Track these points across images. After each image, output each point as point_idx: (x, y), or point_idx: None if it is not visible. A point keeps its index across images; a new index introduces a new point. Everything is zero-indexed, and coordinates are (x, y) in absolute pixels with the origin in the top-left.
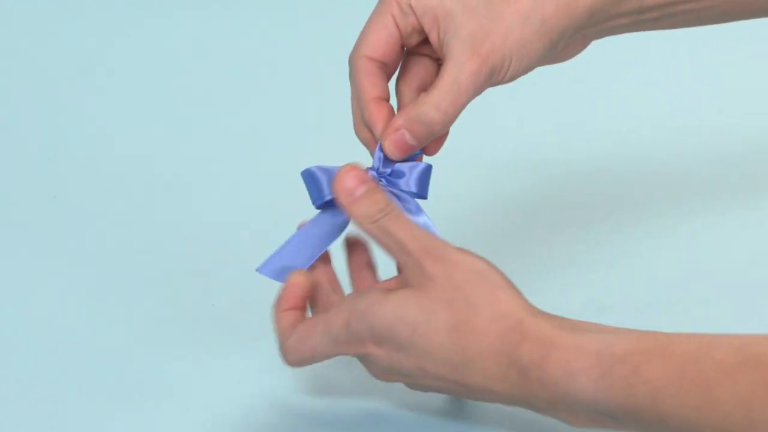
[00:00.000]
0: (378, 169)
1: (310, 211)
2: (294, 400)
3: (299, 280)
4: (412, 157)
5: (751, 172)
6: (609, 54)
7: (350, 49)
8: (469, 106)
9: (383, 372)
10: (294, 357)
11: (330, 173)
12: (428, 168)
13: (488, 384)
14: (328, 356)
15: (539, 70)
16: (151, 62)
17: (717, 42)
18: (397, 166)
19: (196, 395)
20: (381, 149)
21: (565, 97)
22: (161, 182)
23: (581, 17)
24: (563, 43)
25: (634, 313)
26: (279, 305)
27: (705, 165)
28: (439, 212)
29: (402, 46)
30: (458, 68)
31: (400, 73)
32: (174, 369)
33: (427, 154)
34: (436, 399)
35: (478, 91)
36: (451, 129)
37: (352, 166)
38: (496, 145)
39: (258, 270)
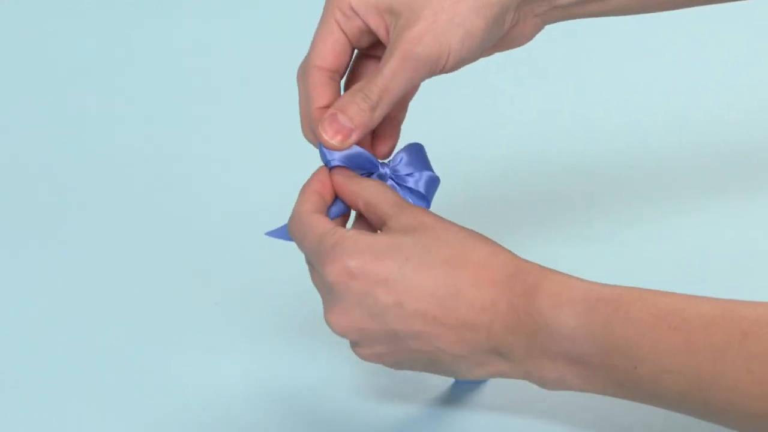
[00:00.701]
0: (393, 166)
1: None
2: (297, 397)
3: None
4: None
5: (755, 167)
6: (609, 49)
7: None
8: (468, 100)
9: (351, 316)
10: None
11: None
12: (436, 178)
13: (471, 316)
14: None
15: (538, 64)
16: (154, 61)
17: (719, 35)
18: (407, 168)
19: (199, 393)
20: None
21: (565, 93)
22: (164, 181)
23: None
24: (509, 20)
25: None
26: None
27: (708, 160)
28: (437, 208)
29: (352, 49)
30: (387, 56)
31: (348, 75)
32: (177, 367)
33: (379, 156)
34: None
35: (411, 76)
36: (451, 124)
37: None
38: (494, 140)
39: (268, 234)
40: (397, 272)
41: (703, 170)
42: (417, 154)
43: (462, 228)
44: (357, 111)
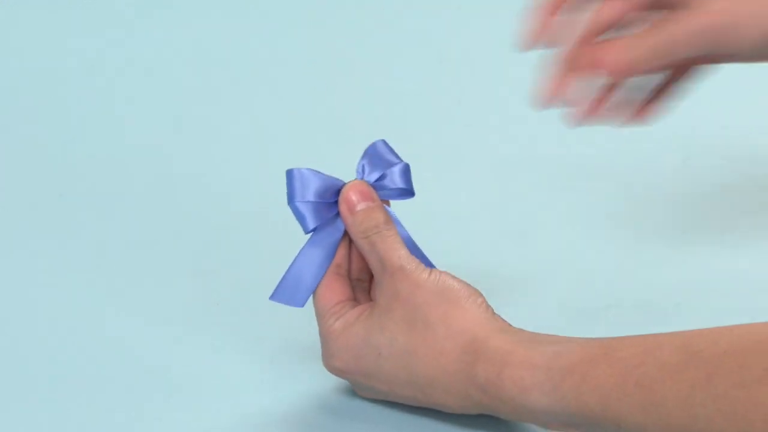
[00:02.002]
0: (362, 177)
1: None
2: (298, 400)
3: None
4: None
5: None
6: None
7: (351, 49)
8: (471, 103)
9: (361, 390)
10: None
11: (321, 179)
12: (406, 166)
13: (455, 401)
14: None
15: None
16: (156, 61)
17: None
18: (374, 174)
19: (200, 394)
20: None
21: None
22: (166, 182)
23: None
24: None
25: (637, 313)
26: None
27: (713, 163)
28: (441, 209)
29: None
30: (684, 12)
31: None
32: (178, 368)
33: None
34: None
35: (695, 45)
36: (451, 126)
37: (361, 183)
38: (497, 142)
39: (271, 298)
40: (374, 368)
41: (710, 173)
42: (375, 154)
43: (429, 291)
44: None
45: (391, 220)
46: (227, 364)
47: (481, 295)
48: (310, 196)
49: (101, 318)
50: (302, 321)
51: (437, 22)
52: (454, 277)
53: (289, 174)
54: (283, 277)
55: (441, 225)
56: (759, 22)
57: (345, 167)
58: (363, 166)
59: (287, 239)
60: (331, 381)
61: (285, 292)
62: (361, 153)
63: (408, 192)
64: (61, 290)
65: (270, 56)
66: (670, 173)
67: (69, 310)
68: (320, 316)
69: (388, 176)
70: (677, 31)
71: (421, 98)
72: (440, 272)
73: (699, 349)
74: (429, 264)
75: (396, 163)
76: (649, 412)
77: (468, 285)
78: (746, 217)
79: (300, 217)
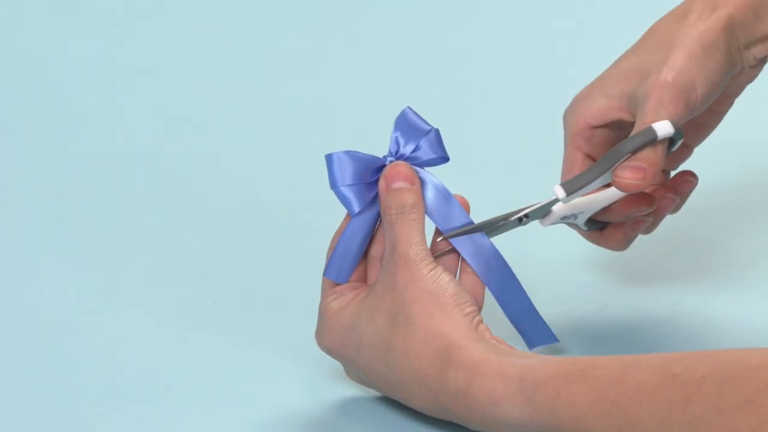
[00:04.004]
0: (396, 153)
1: (307, 209)
2: (295, 399)
3: None
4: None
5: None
6: (613, 50)
7: (350, 47)
8: (474, 105)
9: (348, 373)
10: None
11: (359, 160)
12: (437, 133)
13: (423, 403)
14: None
15: (534, 71)
16: (154, 61)
17: None
18: (409, 146)
19: (196, 393)
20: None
21: (565, 94)
22: (163, 181)
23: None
24: (738, 59)
25: (636, 313)
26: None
27: (711, 162)
28: None
29: None
30: (642, 103)
31: None
32: (174, 367)
33: (609, 247)
34: None
35: (673, 108)
36: (451, 126)
37: (404, 165)
38: (496, 143)
39: (325, 275)
40: (355, 355)
41: (708, 173)
42: (406, 123)
43: (421, 288)
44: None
45: (422, 206)
46: (225, 363)
47: (472, 304)
48: (350, 179)
49: (99, 317)
50: (300, 320)
51: (437, 21)
52: (452, 280)
53: (329, 159)
54: (333, 254)
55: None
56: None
57: None
58: (397, 138)
59: (285, 238)
60: (330, 380)
61: (334, 268)
62: (361, 153)
63: (443, 158)
64: (59, 289)
65: (270, 56)
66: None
67: (66, 309)
68: (322, 293)
69: (422, 146)
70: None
71: (422, 98)
72: (442, 272)
73: (675, 371)
74: (463, 218)
75: (427, 131)
76: (624, 431)
77: (463, 292)
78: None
79: (345, 201)
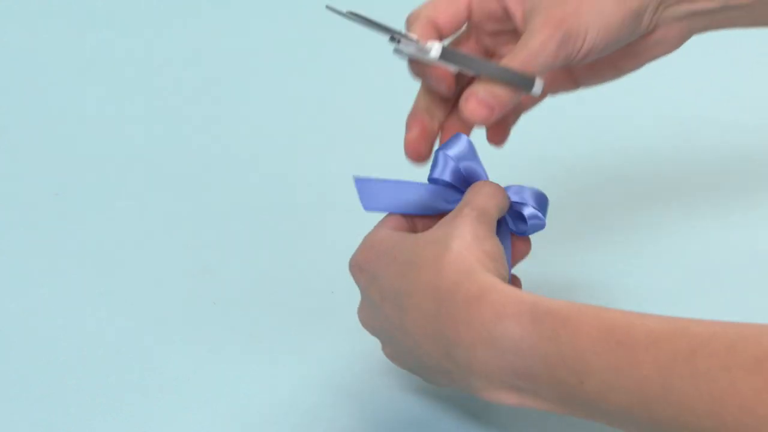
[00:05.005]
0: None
1: (307, 209)
2: (294, 398)
3: None
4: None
5: (754, 169)
6: None
7: (350, 47)
8: None
9: (364, 311)
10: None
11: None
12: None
13: (422, 323)
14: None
15: None
16: (152, 61)
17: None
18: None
19: (196, 393)
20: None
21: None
22: (162, 180)
23: None
24: (647, 20)
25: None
26: None
27: (710, 162)
28: None
29: (464, 22)
30: (529, 35)
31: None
32: (174, 367)
33: (494, 143)
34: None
35: (551, 58)
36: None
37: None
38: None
39: (356, 182)
40: (382, 272)
41: (707, 172)
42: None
43: (448, 225)
44: (500, 88)
45: (504, 213)
46: (224, 363)
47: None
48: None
49: (95, 316)
50: (300, 320)
51: None
52: (492, 239)
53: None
54: (382, 182)
55: None
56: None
57: (344, 168)
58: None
59: (285, 238)
60: (329, 381)
61: (370, 191)
62: (359, 153)
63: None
64: (56, 289)
65: (269, 56)
66: (669, 168)
67: (64, 308)
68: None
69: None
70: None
71: None
72: (485, 235)
73: (688, 325)
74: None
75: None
76: (622, 373)
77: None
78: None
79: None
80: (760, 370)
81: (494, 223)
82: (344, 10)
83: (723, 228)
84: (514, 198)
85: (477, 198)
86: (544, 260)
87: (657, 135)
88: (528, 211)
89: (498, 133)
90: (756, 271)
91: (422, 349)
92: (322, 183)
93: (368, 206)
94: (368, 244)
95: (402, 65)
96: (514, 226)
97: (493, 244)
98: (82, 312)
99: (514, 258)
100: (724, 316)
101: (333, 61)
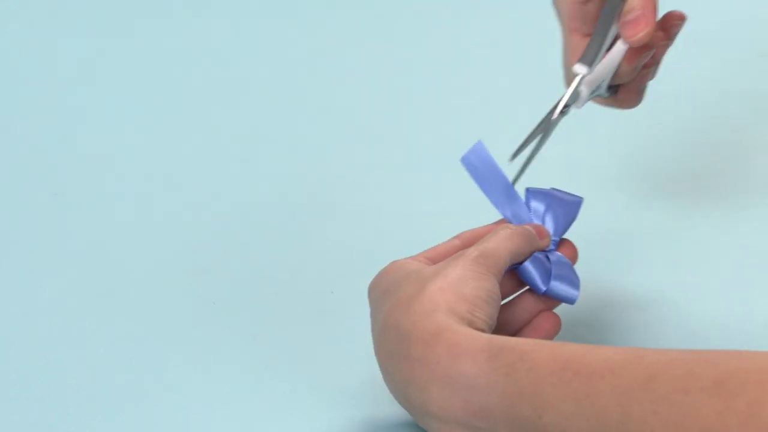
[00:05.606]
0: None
1: (307, 209)
2: (294, 399)
3: None
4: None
5: (751, 170)
6: None
7: (350, 47)
8: (469, 103)
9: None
10: None
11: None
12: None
13: (385, 361)
14: None
15: (534, 64)
16: (150, 61)
17: (721, 34)
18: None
19: (196, 393)
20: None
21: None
22: (160, 180)
23: None
24: None
25: (635, 312)
26: None
27: (710, 161)
28: (437, 209)
29: None
30: None
31: None
32: (173, 367)
33: (625, 107)
34: None
35: None
36: (451, 126)
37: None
38: (497, 141)
39: (463, 160)
40: (377, 299)
41: (707, 171)
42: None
43: (447, 261)
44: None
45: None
46: (223, 363)
47: (486, 315)
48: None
49: (94, 317)
50: (299, 321)
51: (437, 21)
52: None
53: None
54: (487, 155)
55: (442, 225)
56: None
57: (344, 168)
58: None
59: (285, 238)
60: (329, 381)
61: (477, 159)
62: (359, 153)
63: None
64: (54, 289)
65: (269, 57)
66: (669, 170)
67: (62, 309)
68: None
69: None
70: None
71: (422, 98)
72: (472, 273)
73: (643, 353)
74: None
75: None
76: (581, 404)
77: (483, 302)
78: None
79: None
80: (720, 392)
81: (498, 266)
82: (510, 159)
83: (723, 228)
84: (537, 203)
85: (490, 239)
86: None
87: (654, 134)
88: (554, 285)
89: (632, 91)
90: (756, 271)
91: (390, 386)
92: (322, 183)
93: (465, 160)
94: (384, 269)
95: (400, 67)
96: (542, 281)
97: (477, 287)
98: (82, 312)
99: (537, 334)
100: (725, 316)
101: (333, 61)
